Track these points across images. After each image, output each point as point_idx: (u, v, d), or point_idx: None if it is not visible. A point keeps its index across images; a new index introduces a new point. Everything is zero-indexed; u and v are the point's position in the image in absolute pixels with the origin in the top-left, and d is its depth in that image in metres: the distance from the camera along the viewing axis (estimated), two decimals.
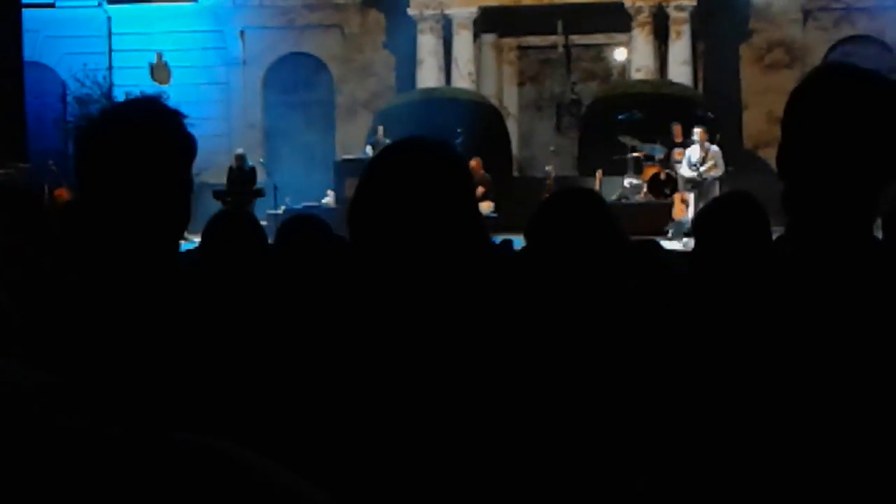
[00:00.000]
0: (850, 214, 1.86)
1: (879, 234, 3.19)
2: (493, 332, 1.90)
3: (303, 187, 22.02)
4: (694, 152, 18.69)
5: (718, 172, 18.41)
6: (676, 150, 19.86)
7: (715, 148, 18.79)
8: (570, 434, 2.13)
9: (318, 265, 3.77)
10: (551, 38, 26.20)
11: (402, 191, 1.86)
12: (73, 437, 0.78)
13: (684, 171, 18.85)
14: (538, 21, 25.26)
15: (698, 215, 3.92)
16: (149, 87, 22.73)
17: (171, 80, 25.60)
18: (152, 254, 2.10)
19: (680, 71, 24.84)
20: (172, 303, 2.05)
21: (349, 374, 1.82)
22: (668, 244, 15.09)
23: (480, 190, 19.32)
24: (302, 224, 4.22)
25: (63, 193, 18.28)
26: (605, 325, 2.32)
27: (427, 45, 25.69)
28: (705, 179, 18.35)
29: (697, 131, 18.84)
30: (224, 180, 20.78)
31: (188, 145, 2.24)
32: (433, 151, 1.94)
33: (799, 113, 1.92)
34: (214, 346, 2.01)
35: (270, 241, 4.44)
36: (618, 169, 20.87)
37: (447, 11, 25.38)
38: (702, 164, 18.49)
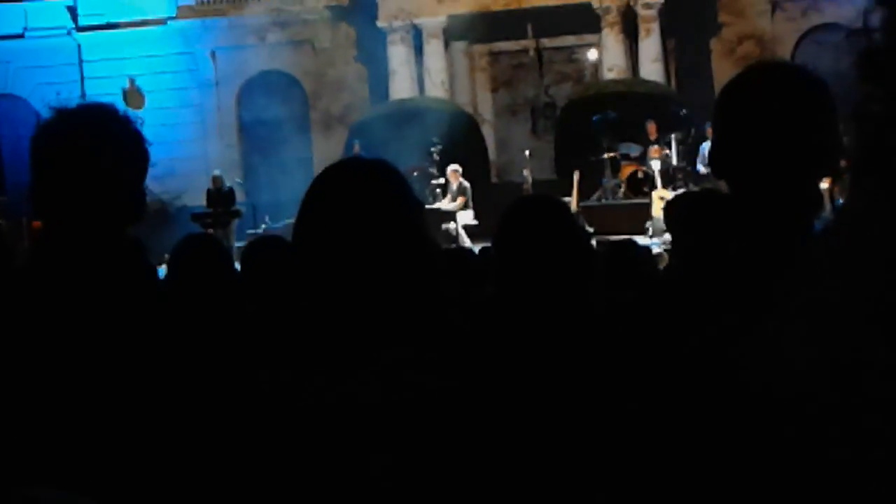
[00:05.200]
0: (787, 209, 1.87)
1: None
2: (447, 340, 1.93)
3: (282, 205, 22.00)
4: (704, 147, 18.88)
5: None
6: (652, 148, 19.98)
7: None
8: (531, 443, 2.16)
9: (281, 287, 3.77)
10: (522, 43, 26.27)
11: (337, 209, 1.90)
12: None
13: (700, 168, 19.02)
14: (508, 26, 25.31)
15: (667, 214, 3.95)
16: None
17: (146, 104, 25.57)
18: (81, 256, 2.12)
19: (652, 68, 24.94)
20: (133, 321, 2.07)
21: (302, 396, 1.84)
22: (648, 242, 15.14)
23: (461, 200, 19.35)
24: (265, 247, 4.23)
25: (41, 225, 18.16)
26: (570, 329, 2.35)
27: (398, 56, 25.73)
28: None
29: (708, 129, 19.13)
30: (203, 202, 20.76)
31: (135, 147, 2.25)
32: (367, 169, 1.98)
33: (730, 112, 1.94)
34: (180, 368, 2.04)
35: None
36: (595, 170, 20.94)
37: (416, 21, 25.42)
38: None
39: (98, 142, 2.18)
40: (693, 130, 19.88)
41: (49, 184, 2.15)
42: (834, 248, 1.14)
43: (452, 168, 19.75)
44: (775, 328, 1.18)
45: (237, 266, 4.29)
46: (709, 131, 18.73)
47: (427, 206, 16.93)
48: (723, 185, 2.14)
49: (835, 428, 1.10)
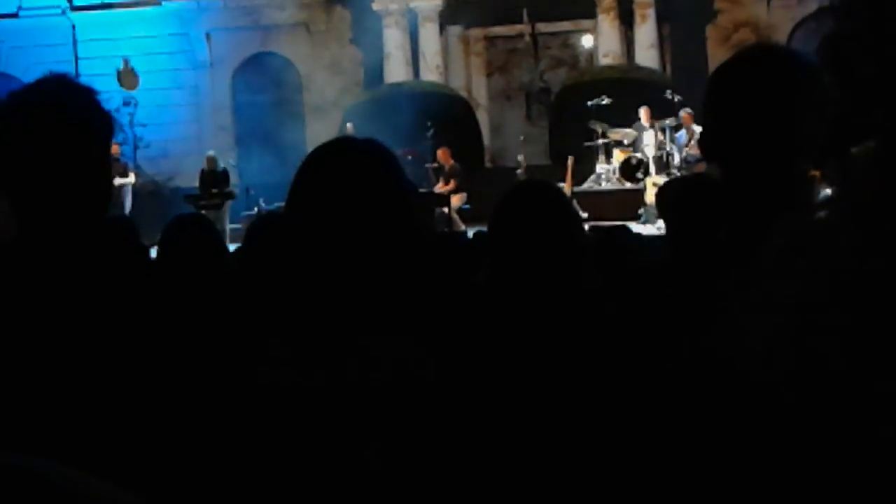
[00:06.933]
0: (776, 194, 1.87)
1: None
2: (435, 324, 1.94)
3: (275, 187, 21.94)
4: (681, 136, 18.97)
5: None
6: (646, 134, 19.98)
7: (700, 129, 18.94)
8: (519, 432, 2.17)
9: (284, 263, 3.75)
10: (518, 28, 26.23)
11: (327, 187, 1.91)
12: None
13: (675, 154, 19.05)
14: (504, 11, 25.27)
15: (659, 200, 3.96)
16: (117, 93, 22.63)
17: (140, 85, 25.50)
18: (69, 235, 2.10)
19: (647, 55, 24.92)
20: (101, 295, 2.06)
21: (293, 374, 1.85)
22: (642, 228, 15.15)
23: (453, 183, 19.33)
24: (271, 222, 4.22)
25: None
26: (561, 315, 2.36)
27: (393, 39, 25.66)
28: (689, 160, 18.50)
29: (683, 115, 19.11)
30: (196, 184, 20.71)
31: (98, 121, 2.23)
32: (357, 148, 1.98)
33: (723, 95, 1.94)
34: (169, 348, 2.05)
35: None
36: (589, 155, 20.94)
37: (412, 5, 25.35)
38: (686, 146, 18.76)
39: (53, 116, 2.17)
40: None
41: (15, 165, 2.13)
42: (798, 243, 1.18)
43: (442, 149, 19.75)
44: (740, 313, 1.22)
45: (240, 243, 4.28)
46: (684, 118, 18.91)
47: (421, 190, 16.94)
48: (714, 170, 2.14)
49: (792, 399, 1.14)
